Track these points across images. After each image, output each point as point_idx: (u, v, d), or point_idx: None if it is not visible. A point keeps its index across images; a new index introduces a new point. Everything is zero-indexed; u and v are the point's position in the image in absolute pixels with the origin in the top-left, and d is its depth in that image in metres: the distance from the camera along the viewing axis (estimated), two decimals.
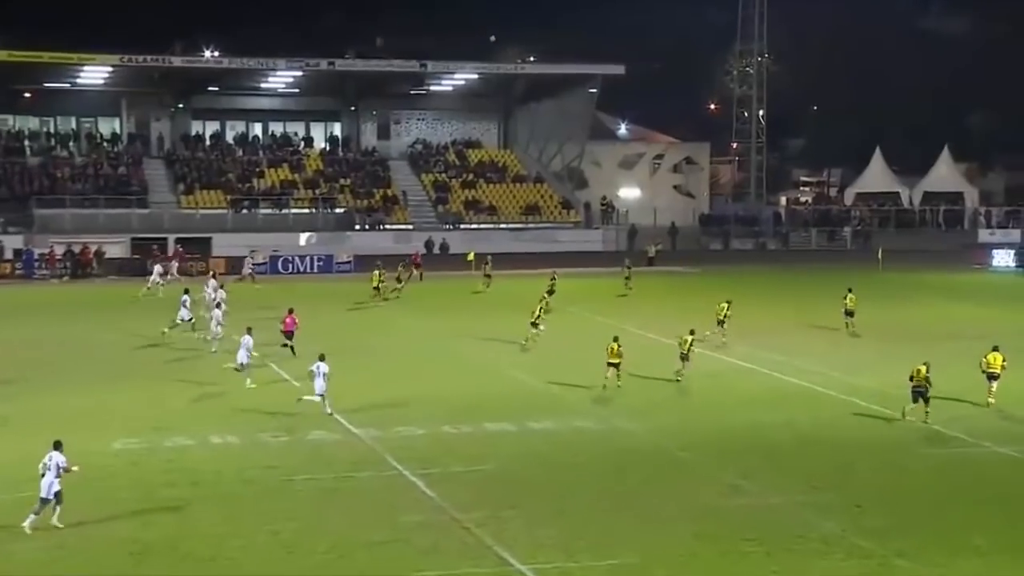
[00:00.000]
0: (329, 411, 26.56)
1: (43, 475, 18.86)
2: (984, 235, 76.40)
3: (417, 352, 36.02)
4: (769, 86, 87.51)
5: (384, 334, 39.44)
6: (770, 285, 55.93)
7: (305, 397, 27.01)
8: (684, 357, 31.10)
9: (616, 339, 30.19)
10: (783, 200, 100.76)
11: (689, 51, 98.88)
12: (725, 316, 37.09)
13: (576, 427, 26.57)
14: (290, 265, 61.11)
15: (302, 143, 77.42)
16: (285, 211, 69.10)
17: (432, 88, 78.12)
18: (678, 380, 30.89)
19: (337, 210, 70.31)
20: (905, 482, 22.15)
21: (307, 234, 67.21)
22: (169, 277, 49.59)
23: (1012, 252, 63.18)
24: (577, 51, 77.08)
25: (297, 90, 76.43)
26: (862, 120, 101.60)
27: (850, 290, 41.03)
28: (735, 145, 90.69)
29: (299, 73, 72.60)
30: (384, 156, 77.96)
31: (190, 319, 36.84)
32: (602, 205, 79.79)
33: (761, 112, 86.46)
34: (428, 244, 67.66)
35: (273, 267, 60.47)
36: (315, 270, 60.80)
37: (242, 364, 29.62)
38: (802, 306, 46.87)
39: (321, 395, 26.66)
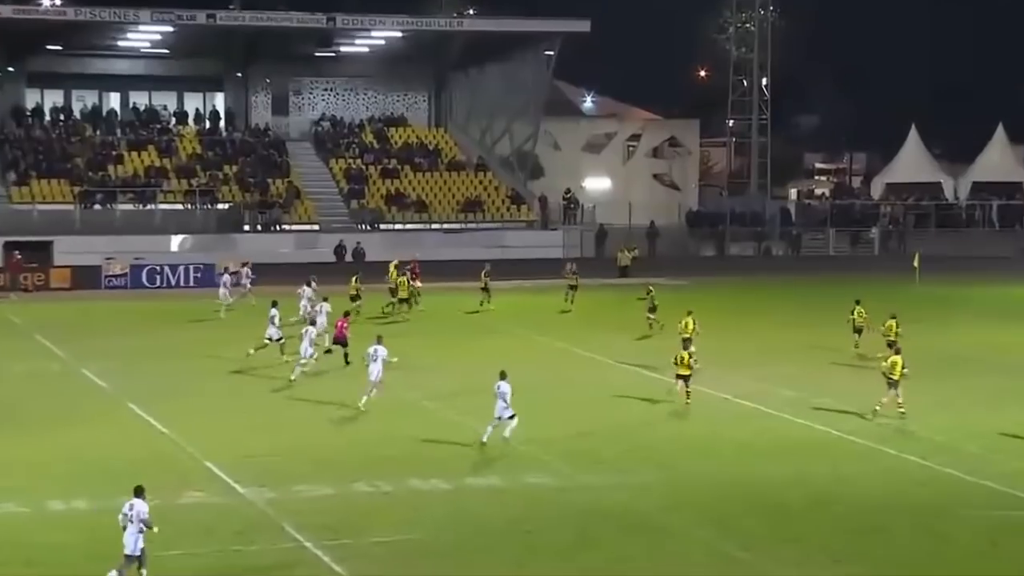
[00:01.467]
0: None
1: (124, 527, 19.69)
2: None
3: (321, 388, 35.99)
4: (775, 47, 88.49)
5: (279, 365, 39.33)
6: (776, 301, 56.53)
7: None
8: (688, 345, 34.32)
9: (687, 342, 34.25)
10: (793, 193, 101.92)
11: (673, 2, 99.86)
12: (693, 333, 37.52)
13: (528, 484, 26.67)
14: (158, 277, 60.72)
15: (173, 119, 77.09)
16: (151, 207, 68.72)
17: (343, 49, 78.18)
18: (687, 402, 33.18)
19: (220, 206, 70.03)
20: (949, 554, 22.43)
21: (180, 237, 66.90)
22: None
23: None
24: (529, 2, 77.62)
25: (167, 51, 76.12)
26: (893, 91, 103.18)
27: (858, 302, 41.76)
28: (732, 123, 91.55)
29: (169, 28, 72.21)
30: (281, 136, 77.85)
31: (279, 339, 39.02)
32: (563, 200, 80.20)
33: (764, 81, 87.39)
34: (339, 250, 67.56)
35: (135, 279, 60.09)
36: (191, 283, 60.40)
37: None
38: (818, 329, 47.37)
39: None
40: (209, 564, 21.59)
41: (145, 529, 19.70)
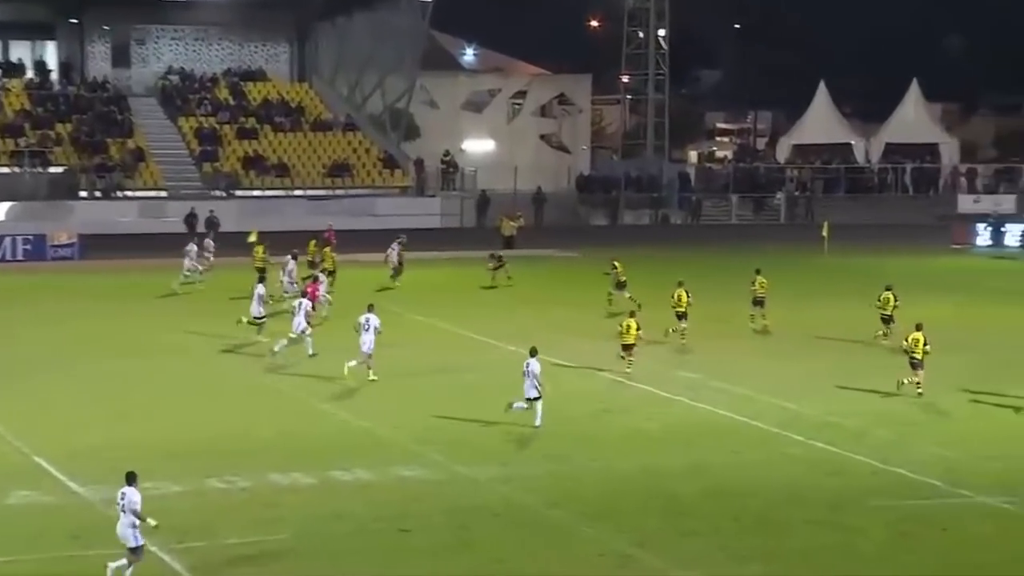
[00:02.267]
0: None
1: (118, 517, 20.16)
2: (966, 203, 79.43)
3: (167, 375, 35.70)
4: None
5: (121, 349, 38.78)
6: (674, 274, 56.90)
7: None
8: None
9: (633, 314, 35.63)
10: (692, 156, 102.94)
11: None
12: (687, 305, 39.20)
13: (401, 477, 26.68)
14: None
15: None
16: None
17: None
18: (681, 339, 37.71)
19: (52, 169, 68.74)
20: (858, 548, 22.85)
21: (6, 204, 65.59)
22: None
23: (992, 227, 65.74)
24: None
25: None
26: (801, 45, 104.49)
27: (758, 272, 42.38)
28: (626, 79, 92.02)
29: None
30: (122, 91, 76.63)
31: (261, 318, 39.39)
32: (442, 163, 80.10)
33: (662, 32, 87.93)
34: (190, 219, 66.74)
35: None
36: (20, 256, 59.32)
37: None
38: (719, 305, 47.89)
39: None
40: (39, 571, 21.24)
41: (138, 522, 19.97)
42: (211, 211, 66.61)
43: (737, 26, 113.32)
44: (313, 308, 39.09)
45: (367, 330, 34.19)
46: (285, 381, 35.08)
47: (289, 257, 46.33)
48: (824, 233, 60.94)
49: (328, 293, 44.83)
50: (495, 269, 51.32)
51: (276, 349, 37.02)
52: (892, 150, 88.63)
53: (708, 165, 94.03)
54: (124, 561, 20.20)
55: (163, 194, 70.01)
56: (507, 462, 27.80)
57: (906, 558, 22.39)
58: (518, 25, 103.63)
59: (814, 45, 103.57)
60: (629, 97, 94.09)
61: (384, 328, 35.03)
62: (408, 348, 39.73)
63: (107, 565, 20.23)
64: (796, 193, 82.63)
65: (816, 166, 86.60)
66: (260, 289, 39.86)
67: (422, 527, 23.64)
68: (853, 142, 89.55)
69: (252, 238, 51.37)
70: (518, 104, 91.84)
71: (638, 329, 35.88)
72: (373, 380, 34.42)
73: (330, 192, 72.14)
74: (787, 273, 57.07)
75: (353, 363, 34.43)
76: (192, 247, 50.51)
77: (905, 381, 33.49)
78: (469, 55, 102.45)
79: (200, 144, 73.62)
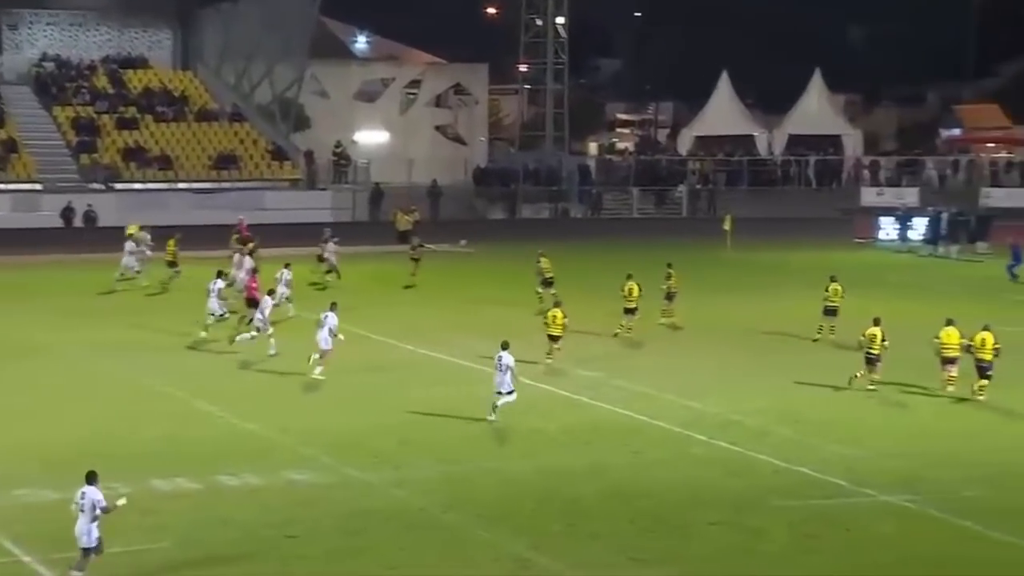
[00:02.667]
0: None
1: (76, 518, 20.41)
2: (869, 196, 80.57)
3: (43, 377, 35.29)
4: None
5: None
6: (573, 270, 57.25)
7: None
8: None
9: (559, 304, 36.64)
10: (593, 148, 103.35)
11: None
12: (638, 299, 39.11)
13: (290, 481, 26.60)
14: None
15: None
16: None
17: None
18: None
19: None
20: (762, 550, 23.11)
21: None
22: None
23: (900, 221, 66.68)
24: None
25: None
26: (703, 33, 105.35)
27: (669, 266, 42.66)
28: (524, 68, 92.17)
29: None
30: None
31: (222, 314, 39.90)
32: (333, 155, 79.76)
33: (561, 20, 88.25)
34: (67, 214, 65.91)
35: None
36: None
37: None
38: (617, 302, 48.19)
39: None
40: None
41: (102, 514, 20.34)
42: (89, 205, 65.90)
43: (638, 14, 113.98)
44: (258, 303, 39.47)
45: (321, 327, 34.93)
46: (169, 383, 34.76)
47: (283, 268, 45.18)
48: (726, 227, 61.47)
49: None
50: (415, 260, 51.04)
51: (238, 339, 37.60)
52: (795, 142, 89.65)
53: (609, 157, 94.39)
54: (79, 562, 20.43)
55: (38, 187, 69.02)
56: (400, 465, 27.78)
57: (809, 559, 22.69)
58: (411, 12, 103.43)
59: (716, 34, 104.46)
60: (527, 87, 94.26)
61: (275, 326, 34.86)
62: (296, 347, 39.57)
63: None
64: (698, 186, 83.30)
65: (718, 158, 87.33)
66: (220, 283, 40.22)
67: (312, 533, 23.56)
68: (756, 134, 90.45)
69: (131, 231, 50.92)
70: (412, 94, 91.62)
71: (564, 318, 36.23)
72: (317, 377, 34.86)
73: (216, 185, 71.53)
74: (690, 268, 57.48)
75: (315, 356, 35.09)
76: (130, 243, 50.06)
77: (858, 375, 33.98)
78: (361, 43, 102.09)
79: (77, 135, 72.70)
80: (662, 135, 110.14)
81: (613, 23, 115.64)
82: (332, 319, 35.14)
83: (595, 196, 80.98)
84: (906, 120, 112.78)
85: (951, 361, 33.94)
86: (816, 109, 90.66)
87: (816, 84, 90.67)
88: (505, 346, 30.95)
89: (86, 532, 20.42)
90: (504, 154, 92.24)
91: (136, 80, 77.69)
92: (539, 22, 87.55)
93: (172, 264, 48.83)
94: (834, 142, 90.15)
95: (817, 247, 63.72)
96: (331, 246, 51.16)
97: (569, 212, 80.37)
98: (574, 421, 31.34)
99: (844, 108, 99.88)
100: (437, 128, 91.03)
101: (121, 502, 20.78)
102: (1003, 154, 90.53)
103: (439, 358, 38.09)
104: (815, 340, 40.67)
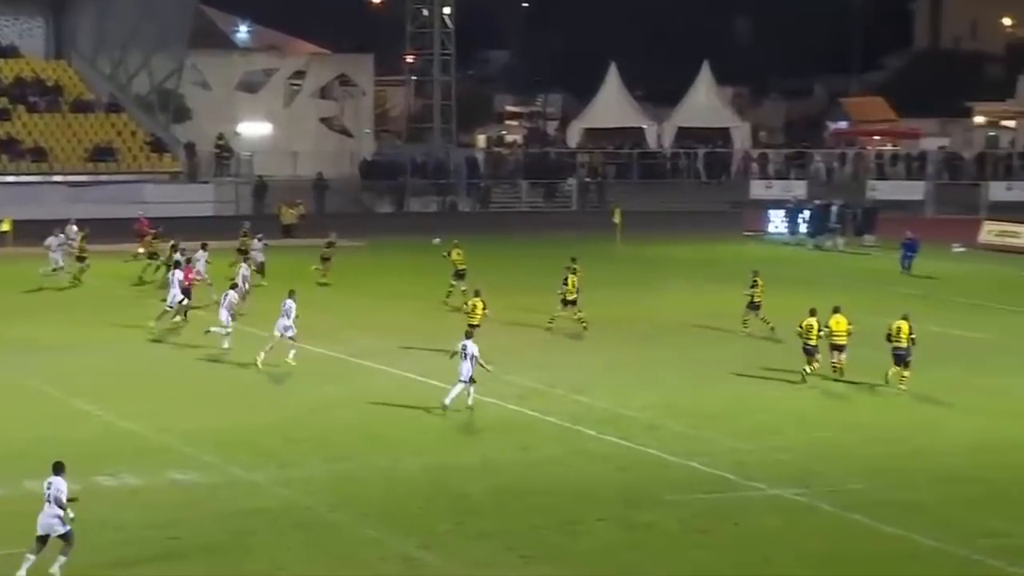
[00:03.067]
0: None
1: (42, 508, 21.09)
2: (758, 188, 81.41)
3: None
4: None
5: None
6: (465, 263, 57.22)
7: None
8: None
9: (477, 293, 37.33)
10: (481, 140, 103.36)
11: None
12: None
13: (173, 481, 26.41)
14: None
15: None
16: None
17: None
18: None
19: None
20: (652, 546, 23.27)
21: None
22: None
23: (790, 214, 67.40)
24: None
25: None
26: (592, 25, 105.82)
27: (573, 260, 42.77)
28: (410, 59, 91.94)
29: None
30: None
31: (181, 300, 40.69)
32: (215, 147, 79.00)
33: (447, 10, 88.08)
34: None
35: None
36: None
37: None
38: (510, 296, 48.27)
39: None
40: None
41: (60, 511, 20.83)
42: None
43: (525, 5, 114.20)
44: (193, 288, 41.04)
45: (285, 315, 35.88)
46: (47, 382, 34.25)
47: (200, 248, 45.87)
48: (616, 220, 61.83)
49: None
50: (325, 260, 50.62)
51: (213, 330, 37.79)
52: (684, 135, 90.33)
53: (497, 150, 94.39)
54: (61, 557, 20.89)
55: None
56: (286, 463, 27.61)
57: (698, 553, 22.89)
58: (294, 1, 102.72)
59: (604, 27, 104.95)
60: (414, 78, 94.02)
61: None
62: (178, 344, 39.25)
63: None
64: (588, 179, 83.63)
65: (608, 151, 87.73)
66: (179, 275, 40.69)
67: (195, 534, 23.37)
68: (645, 126, 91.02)
69: (4, 227, 50.19)
70: (296, 85, 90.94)
71: (484, 309, 36.69)
72: (290, 362, 35.84)
73: (93, 177, 70.59)
74: (580, 262, 57.74)
75: (291, 353, 36.02)
76: (51, 239, 49.13)
77: (808, 370, 34.46)
78: (243, 33, 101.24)
79: None
80: (551, 127, 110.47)
81: (501, 14, 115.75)
82: (292, 304, 36.08)
83: (484, 189, 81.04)
84: (793, 112, 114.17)
85: (839, 348, 34.59)
86: (704, 102, 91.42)
87: (704, 77, 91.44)
88: (469, 335, 31.77)
89: (57, 522, 20.93)
90: (391, 146, 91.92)
91: (7, 70, 76.39)
92: (425, 12, 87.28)
93: (81, 259, 48.82)
94: (723, 135, 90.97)
95: (707, 240, 64.26)
96: (256, 243, 50.29)
97: (458, 205, 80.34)
98: (463, 417, 31.34)
99: (732, 101, 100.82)
100: (322, 120, 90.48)
101: (71, 514, 21.04)
102: (888, 147, 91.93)
103: (327, 355, 37.89)
104: (746, 333, 40.86)
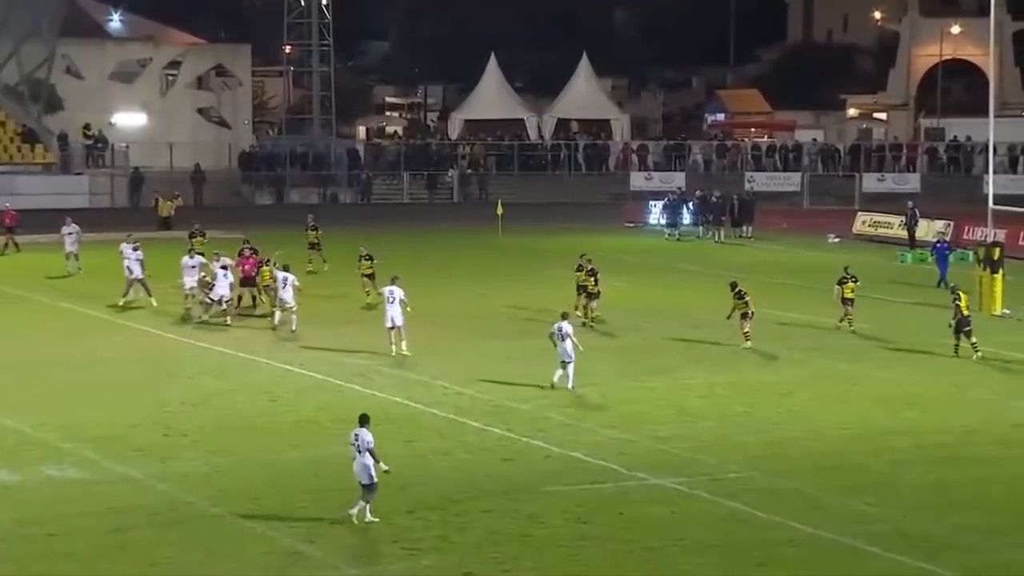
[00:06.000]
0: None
1: (353, 457, 23.35)
2: (638, 180, 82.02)
3: None
4: None
5: None
6: (344, 255, 57.07)
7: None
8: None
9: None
10: (362, 131, 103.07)
11: None
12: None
13: (48, 478, 26.17)
14: None
15: None
16: None
17: None
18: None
19: None
20: (536, 537, 23.39)
21: None
22: None
23: (671, 204, 67.74)
24: None
25: None
26: (472, 15, 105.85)
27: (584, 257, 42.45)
28: (288, 49, 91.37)
29: None
30: None
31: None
32: (85, 137, 77.91)
33: (325, 0, 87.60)
34: None
35: None
36: None
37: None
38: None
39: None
40: None
41: (372, 460, 23.16)
42: None
43: None
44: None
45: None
46: None
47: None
48: (499, 212, 62.00)
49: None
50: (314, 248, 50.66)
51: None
52: (565, 125, 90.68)
53: (378, 141, 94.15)
54: (361, 503, 23.27)
55: None
56: (166, 458, 27.40)
57: (583, 544, 23.05)
58: None
59: (484, 17, 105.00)
60: (292, 69, 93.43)
61: (33, 316, 33.96)
62: (53, 337, 38.77)
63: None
64: (469, 171, 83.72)
65: (489, 142, 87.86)
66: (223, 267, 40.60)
67: (72, 531, 23.15)
68: (526, 117, 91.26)
69: None
70: (172, 75, 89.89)
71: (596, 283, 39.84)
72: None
73: None
74: (463, 254, 57.94)
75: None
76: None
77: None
78: (116, 21, 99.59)
79: None
80: (432, 119, 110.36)
81: (380, 4, 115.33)
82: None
83: (365, 181, 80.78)
84: (672, 103, 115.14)
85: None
86: (585, 93, 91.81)
87: (584, 68, 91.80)
88: (564, 316, 33.25)
89: (364, 471, 23.24)
90: (271, 138, 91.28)
91: None
92: (303, 2, 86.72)
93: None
94: (604, 126, 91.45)
95: (588, 232, 64.57)
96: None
97: (339, 197, 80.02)
98: (346, 410, 31.18)
99: (612, 93, 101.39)
100: (199, 111, 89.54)
101: (383, 466, 23.37)
102: (764, 139, 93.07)
103: (209, 348, 37.61)
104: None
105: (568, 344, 32.74)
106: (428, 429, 29.92)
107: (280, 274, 39.52)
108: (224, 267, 40.62)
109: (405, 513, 24.12)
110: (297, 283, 39.39)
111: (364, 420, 23.75)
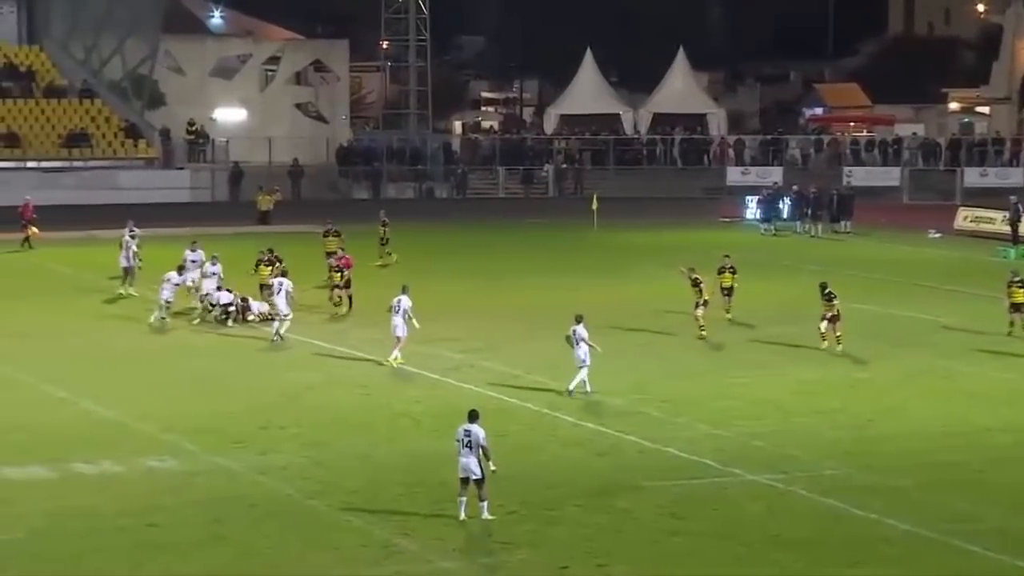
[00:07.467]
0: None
1: (459, 452, 23.37)
2: (735, 175, 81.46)
3: None
4: None
5: None
6: (438, 250, 57.34)
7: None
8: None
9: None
10: (458, 126, 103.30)
11: None
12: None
13: (150, 468, 26.46)
14: None
15: None
16: None
17: None
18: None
19: None
20: (629, 531, 23.37)
21: None
22: None
23: (757, 200, 67.31)
24: None
25: None
26: (567, 10, 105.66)
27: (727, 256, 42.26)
28: (385, 45, 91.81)
29: None
30: None
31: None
32: (188, 133, 78.79)
33: None
34: None
35: None
36: None
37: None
38: (485, 280, 48.43)
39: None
40: None
41: (484, 456, 23.24)
42: None
43: None
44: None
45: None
46: (17, 368, 34.19)
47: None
48: (593, 207, 61.90)
49: None
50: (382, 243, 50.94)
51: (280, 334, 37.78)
52: (660, 121, 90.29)
53: (473, 136, 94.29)
54: (482, 503, 23.39)
55: None
56: (265, 451, 27.66)
57: (676, 540, 23.00)
58: None
59: (579, 13, 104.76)
60: (389, 64, 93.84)
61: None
62: (152, 332, 39.24)
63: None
64: (564, 165, 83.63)
65: (584, 137, 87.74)
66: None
67: (172, 522, 23.40)
68: (621, 112, 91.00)
69: None
70: (271, 71, 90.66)
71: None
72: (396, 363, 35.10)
73: (67, 164, 70.38)
74: (557, 248, 57.92)
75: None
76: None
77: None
78: (216, 17, 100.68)
79: None
80: (527, 114, 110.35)
81: (475, 0, 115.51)
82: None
83: (460, 175, 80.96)
84: (768, 97, 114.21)
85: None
86: (681, 88, 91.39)
87: (680, 63, 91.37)
88: (579, 319, 31.96)
89: (476, 466, 23.24)
90: (368, 133, 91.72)
91: None
92: None
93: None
94: (699, 120, 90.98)
95: (683, 226, 64.33)
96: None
97: (434, 191, 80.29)
98: (440, 404, 31.36)
99: (708, 87, 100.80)
100: (297, 106, 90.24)
101: (492, 467, 23.35)
102: (863, 133, 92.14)
103: (306, 342, 37.90)
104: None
105: (583, 348, 31.84)
106: (521, 423, 29.96)
107: (276, 280, 38.18)
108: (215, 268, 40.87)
109: (499, 507, 24.16)
110: (292, 290, 37.73)
111: (474, 416, 23.69)
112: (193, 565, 21.64)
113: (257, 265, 41.90)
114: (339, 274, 41.48)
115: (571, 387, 31.88)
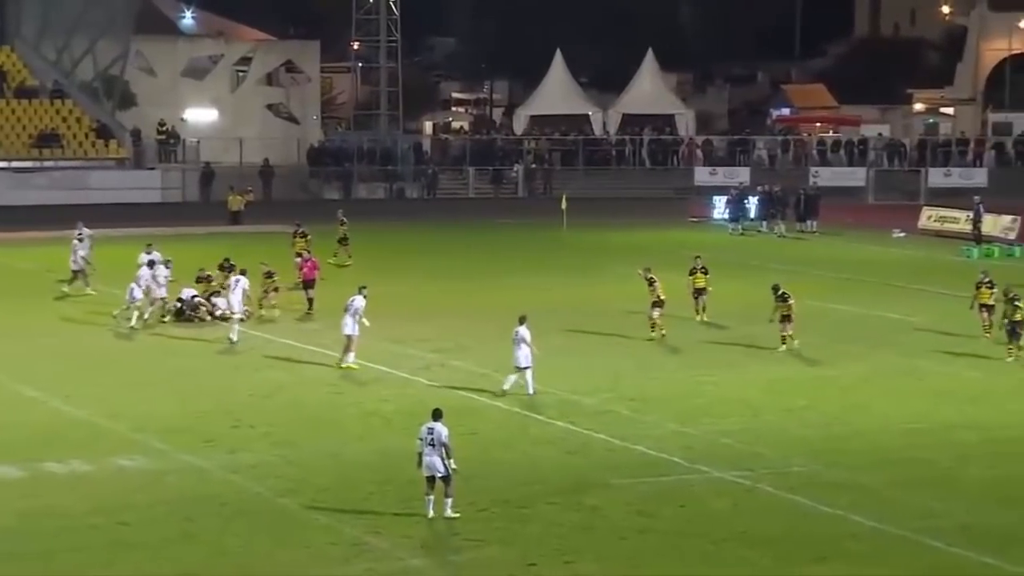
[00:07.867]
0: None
1: (422, 451, 23.43)
2: (703, 175, 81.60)
3: None
4: None
5: None
6: (409, 249, 57.35)
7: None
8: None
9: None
10: (428, 127, 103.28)
11: None
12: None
13: (121, 467, 26.40)
14: None
15: None
16: None
17: None
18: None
19: None
20: (598, 529, 23.40)
21: None
22: None
23: (725, 200, 67.38)
24: None
25: None
26: (536, 11, 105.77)
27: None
28: (356, 46, 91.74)
29: None
30: None
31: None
32: (159, 133, 78.56)
33: None
34: None
35: None
36: None
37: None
38: (455, 280, 48.39)
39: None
40: None
41: (447, 455, 23.26)
42: None
43: None
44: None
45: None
46: (14, 371, 34.06)
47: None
48: (563, 207, 61.96)
49: None
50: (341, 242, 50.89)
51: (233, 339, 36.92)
52: (630, 121, 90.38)
53: (444, 136, 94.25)
54: (447, 500, 23.33)
55: None
56: (235, 449, 27.60)
57: (645, 536, 23.03)
58: None
59: (548, 14, 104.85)
60: (360, 65, 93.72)
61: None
62: (122, 331, 39.12)
63: None
64: (534, 165, 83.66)
65: (554, 138, 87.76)
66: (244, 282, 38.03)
67: (143, 520, 23.35)
68: (591, 113, 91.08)
69: None
70: (243, 71, 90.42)
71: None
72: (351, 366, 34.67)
73: (37, 164, 70.06)
74: (527, 248, 57.97)
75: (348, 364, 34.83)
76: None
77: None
78: (187, 18, 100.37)
79: None
80: (497, 114, 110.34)
81: (447, 1, 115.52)
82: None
83: (431, 176, 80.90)
84: (736, 99, 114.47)
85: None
86: (650, 89, 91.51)
87: (649, 64, 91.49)
88: (522, 320, 31.77)
89: (439, 464, 23.26)
90: (339, 134, 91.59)
91: None
92: None
93: None
94: (668, 121, 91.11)
95: (652, 227, 64.46)
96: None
97: (405, 191, 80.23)
98: (411, 402, 31.28)
99: (677, 88, 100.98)
100: (269, 107, 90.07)
101: (452, 464, 23.34)
102: (830, 134, 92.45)
103: (277, 341, 37.83)
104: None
105: (523, 349, 31.55)
106: (492, 422, 29.98)
107: (233, 278, 37.83)
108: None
109: (469, 505, 24.16)
110: (248, 290, 37.55)
111: (438, 415, 23.71)
112: (164, 563, 21.58)
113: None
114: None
115: (506, 387, 31.72)
